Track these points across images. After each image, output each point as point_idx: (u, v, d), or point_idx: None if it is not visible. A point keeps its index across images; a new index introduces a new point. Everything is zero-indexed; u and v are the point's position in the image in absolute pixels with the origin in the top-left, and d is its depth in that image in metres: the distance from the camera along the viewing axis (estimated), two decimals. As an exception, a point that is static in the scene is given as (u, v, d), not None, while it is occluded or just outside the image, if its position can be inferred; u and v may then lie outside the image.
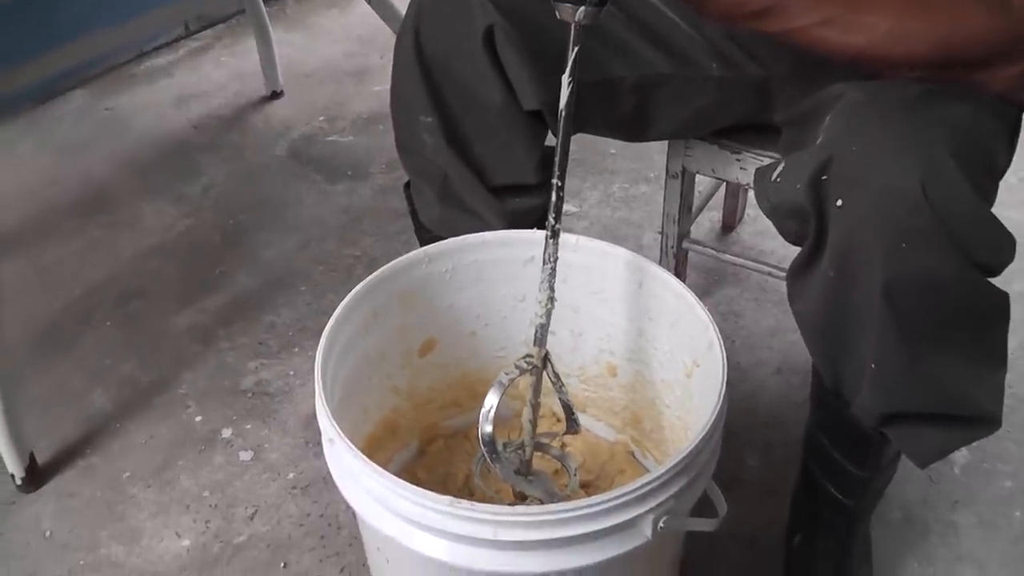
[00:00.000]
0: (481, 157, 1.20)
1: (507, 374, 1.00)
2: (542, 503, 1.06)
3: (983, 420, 1.04)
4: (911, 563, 1.34)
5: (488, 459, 1.00)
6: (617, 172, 2.11)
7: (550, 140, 1.11)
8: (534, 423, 1.07)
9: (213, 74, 2.57)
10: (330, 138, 2.27)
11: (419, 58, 1.16)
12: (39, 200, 2.07)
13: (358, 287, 1.10)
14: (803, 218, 0.96)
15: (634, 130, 1.29)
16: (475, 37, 1.12)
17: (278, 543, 1.36)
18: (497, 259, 1.17)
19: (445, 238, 1.24)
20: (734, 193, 1.89)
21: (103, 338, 1.71)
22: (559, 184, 0.95)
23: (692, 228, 1.62)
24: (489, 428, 0.98)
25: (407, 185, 1.30)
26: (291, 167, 2.17)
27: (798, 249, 1.01)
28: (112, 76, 2.53)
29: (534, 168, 1.20)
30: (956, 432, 1.04)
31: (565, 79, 0.92)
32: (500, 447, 1.02)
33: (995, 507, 1.42)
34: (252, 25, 2.37)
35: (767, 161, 1.37)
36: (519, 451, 1.09)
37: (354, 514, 1.37)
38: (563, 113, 0.93)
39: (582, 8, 0.88)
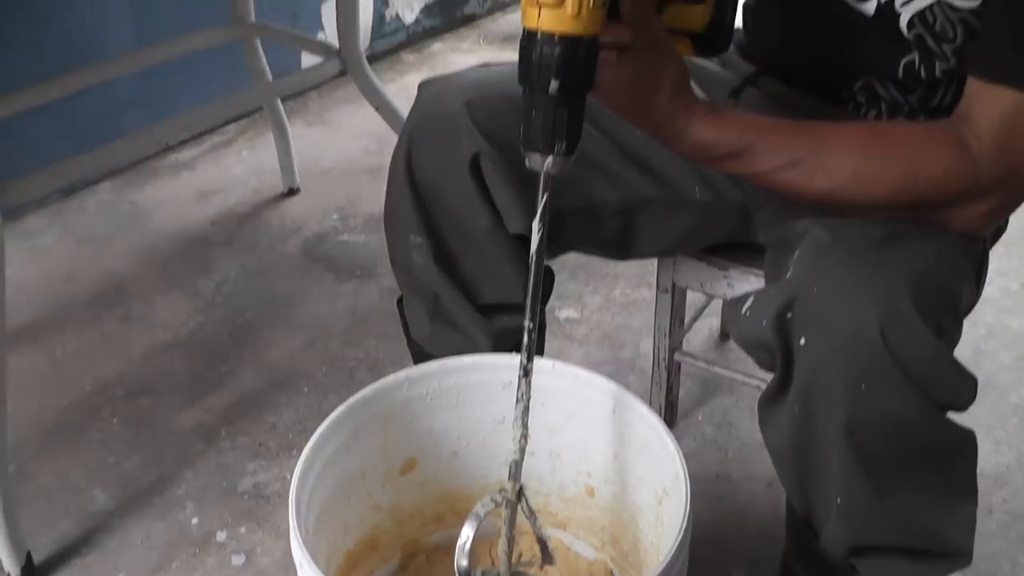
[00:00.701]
0: (469, 277, 1.24)
1: (483, 506, 1.03)
2: None
3: (953, 555, 1.05)
4: None
5: None
6: (619, 276, 2.15)
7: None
8: (509, 555, 1.08)
9: (234, 169, 2.64)
10: (342, 237, 2.32)
11: (410, 181, 1.21)
12: (58, 292, 2.13)
13: (339, 409, 1.13)
14: (770, 352, 0.99)
15: (620, 250, 1.32)
16: (463, 163, 1.16)
17: (264, 649, 1.39)
18: (477, 382, 1.20)
19: (436, 354, 1.28)
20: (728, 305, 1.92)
21: (109, 434, 1.75)
22: (531, 326, 0.98)
23: (690, 334, 1.65)
24: (464, 562, 1.00)
25: (400, 300, 1.34)
26: (302, 265, 2.22)
27: None
28: (137, 169, 2.60)
29: (522, 287, 1.23)
30: (925, 566, 1.06)
31: (535, 224, 0.94)
32: None
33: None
34: (271, 125, 2.44)
35: (753, 279, 1.41)
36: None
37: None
38: (533, 258, 0.96)
39: (551, 157, 0.90)
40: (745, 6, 1.35)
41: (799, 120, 1.06)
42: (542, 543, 1.10)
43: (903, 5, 1.09)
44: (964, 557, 1.06)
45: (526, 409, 1.01)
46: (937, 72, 1.12)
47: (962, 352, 0.99)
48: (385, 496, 1.22)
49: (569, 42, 0.86)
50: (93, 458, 1.70)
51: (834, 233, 1.01)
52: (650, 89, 0.99)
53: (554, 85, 0.87)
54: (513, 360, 1.14)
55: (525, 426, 1.01)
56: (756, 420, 1.74)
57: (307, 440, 1.69)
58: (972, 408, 0.98)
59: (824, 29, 1.19)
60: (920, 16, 1.09)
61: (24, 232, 2.32)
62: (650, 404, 1.30)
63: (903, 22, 1.10)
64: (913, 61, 1.13)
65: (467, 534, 1.01)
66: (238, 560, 1.51)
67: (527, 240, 1.21)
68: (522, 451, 1.02)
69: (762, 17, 1.31)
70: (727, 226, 1.31)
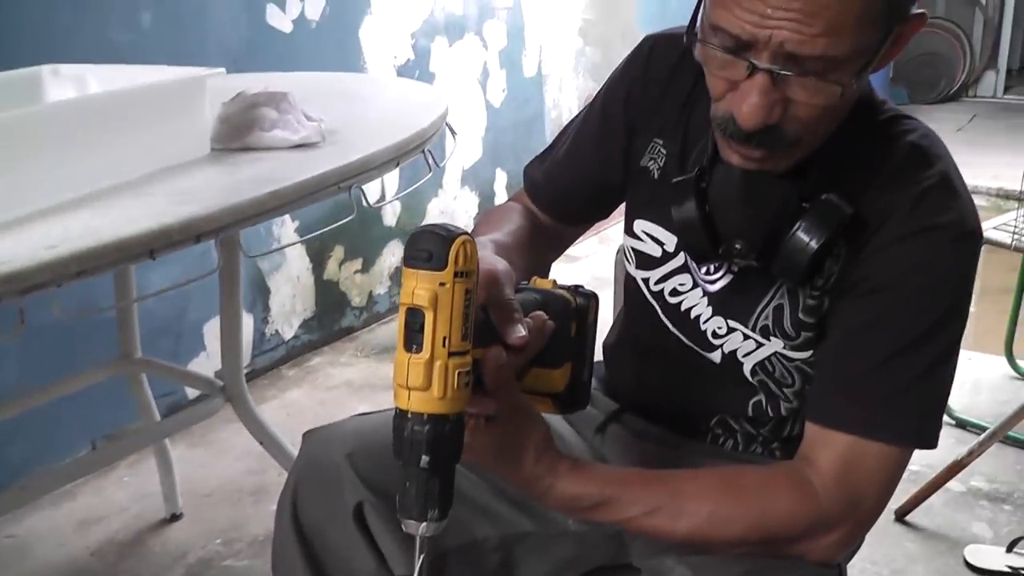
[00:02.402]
0: None
1: None
2: None
3: None
4: None
5: None
6: None
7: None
8: None
9: (115, 495, 2.64)
10: (226, 562, 2.33)
11: (295, 525, 1.25)
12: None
13: None
14: None
15: None
16: (346, 511, 1.22)
17: None
18: None
19: None
20: None
21: None
22: None
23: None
24: None
25: None
26: (186, 596, 2.22)
27: None
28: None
29: None
30: None
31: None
32: None
33: None
34: (154, 452, 2.48)
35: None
36: None
37: None
38: None
39: (424, 523, 0.96)
40: (604, 345, 1.48)
41: (657, 470, 1.18)
42: None
43: (745, 356, 1.24)
44: None
45: None
46: (783, 411, 1.27)
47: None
48: None
49: (437, 420, 0.93)
50: None
51: (696, 572, 1.10)
52: (516, 453, 1.08)
53: (425, 460, 0.93)
54: None
55: None
56: None
57: None
58: None
59: (677, 374, 1.33)
60: (761, 365, 1.23)
61: None
62: None
63: (746, 370, 1.25)
64: (760, 401, 1.28)
65: None
66: None
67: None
68: None
69: (620, 360, 1.45)
70: (603, 552, 1.38)
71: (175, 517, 2.52)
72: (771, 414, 1.27)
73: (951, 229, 1.09)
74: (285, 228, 3.37)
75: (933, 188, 1.11)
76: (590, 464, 1.18)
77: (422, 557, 0.99)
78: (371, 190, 2.22)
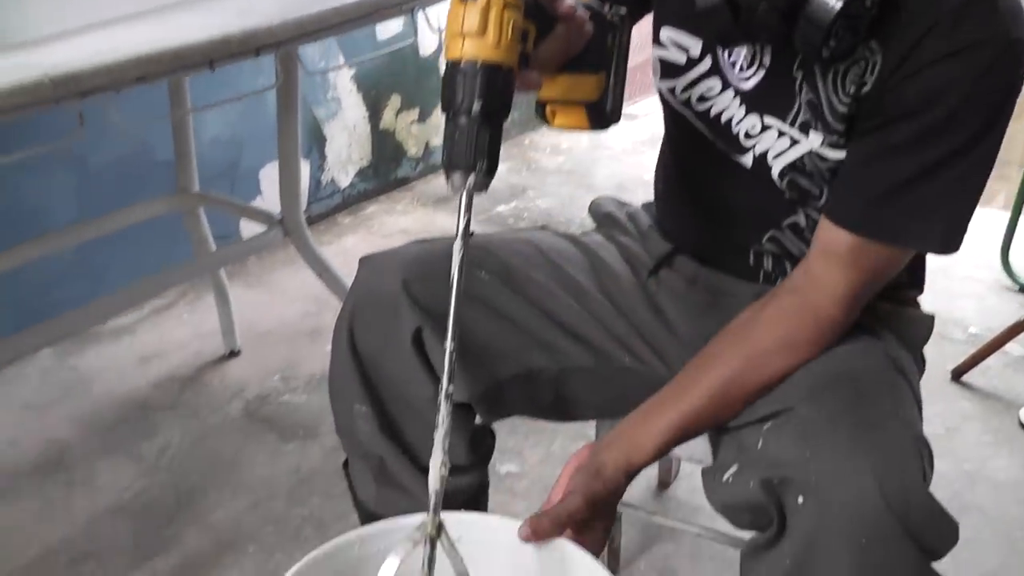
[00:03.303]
0: (413, 442, 1.27)
1: (400, 547, 0.99)
2: None
3: None
4: None
5: None
6: (557, 431, 2.20)
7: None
8: None
9: (174, 332, 2.68)
10: (283, 397, 2.36)
11: (352, 353, 1.25)
12: (0, 459, 2.13)
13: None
14: (760, 513, 1.04)
15: (558, 414, 1.38)
16: (404, 337, 1.21)
17: None
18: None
19: (382, 514, 1.31)
20: (668, 457, 1.98)
21: (53, 602, 1.75)
22: (451, 347, 0.98)
23: (630, 484, 1.69)
24: None
25: (345, 463, 1.38)
26: (244, 426, 2.25)
27: None
28: (78, 335, 2.63)
29: (464, 451, 1.28)
30: None
31: (456, 245, 0.96)
32: None
33: None
34: (212, 289, 2.50)
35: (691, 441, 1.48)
36: None
37: None
38: (454, 281, 0.97)
39: (472, 176, 0.94)
40: (655, 185, 1.46)
41: (676, 378, 1.19)
42: None
43: (775, 157, 1.20)
44: None
45: (446, 435, 0.98)
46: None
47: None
48: None
49: (490, 69, 0.92)
50: (38, 627, 1.70)
51: (810, 404, 1.08)
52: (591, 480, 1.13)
53: (477, 106, 0.92)
54: (464, 518, 1.13)
55: (445, 452, 0.98)
56: (697, 565, 1.82)
57: (254, 601, 1.71)
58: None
59: (715, 186, 1.30)
60: (791, 167, 1.19)
61: (-36, 400, 2.33)
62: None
63: (775, 173, 1.20)
64: (797, 223, 1.25)
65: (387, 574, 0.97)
66: None
67: (469, 407, 1.28)
68: (442, 480, 0.99)
69: (667, 193, 1.42)
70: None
71: (233, 354, 2.55)
72: (808, 234, 1.24)
73: (992, 45, 1.02)
74: (341, 76, 3.33)
75: (975, 1, 1.04)
76: (632, 426, 1.18)
77: (467, 218, 0.96)
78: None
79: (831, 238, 1.12)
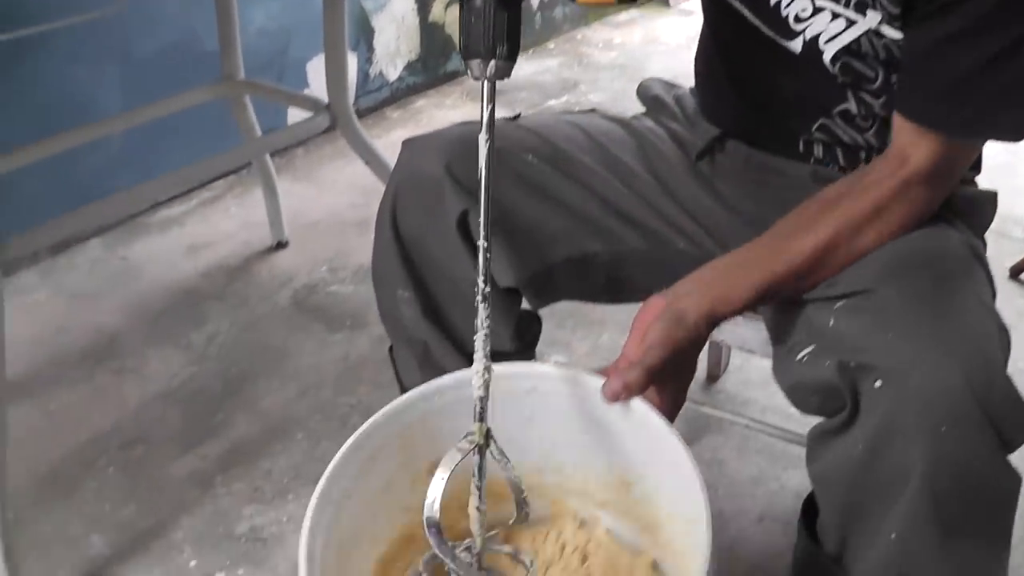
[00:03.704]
0: (458, 327, 1.25)
1: (450, 457, 0.96)
2: None
3: None
4: None
5: (439, 552, 0.95)
6: (606, 323, 2.19)
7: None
8: (482, 511, 1.00)
9: (223, 224, 2.67)
10: (331, 288, 2.36)
11: (396, 237, 1.22)
12: (51, 346, 2.14)
13: (349, 444, 1.07)
14: (832, 395, 1.00)
15: (610, 297, 1.35)
16: (449, 221, 1.18)
17: None
18: (499, 390, 1.16)
19: None
20: (718, 345, 1.96)
21: (104, 483, 1.77)
22: (485, 245, 0.96)
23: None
24: (435, 519, 0.94)
25: (391, 349, 1.37)
26: (293, 316, 2.25)
27: (779, 402, 1.06)
28: (127, 226, 2.64)
29: (510, 336, 1.26)
30: None
31: (482, 137, 0.93)
32: (458, 543, 1.00)
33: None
34: (260, 178, 2.48)
35: (741, 321, 1.44)
36: (469, 546, 1.02)
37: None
38: (482, 171, 0.94)
39: (492, 62, 0.91)
40: (696, 72, 1.41)
41: (766, 237, 1.13)
42: (516, 490, 1.02)
43: (827, 41, 1.14)
44: None
45: (486, 338, 0.95)
46: (872, 117, 1.19)
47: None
48: (415, 496, 1.13)
49: None
50: (89, 507, 1.72)
51: (889, 285, 1.04)
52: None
53: None
54: (532, 369, 1.11)
55: (487, 357, 0.96)
56: (743, 457, 1.80)
57: (303, 486, 1.72)
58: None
59: (762, 73, 1.25)
60: (845, 50, 1.14)
61: (16, 289, 2.34)
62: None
63: (827, 58, 1.15)
64: (848, 110, 1.20)
65: (435, 491, 0.94)
66: (237, 602, 1.53)
67: (517, 292, 1.25)
68: (486, 386, 0.96)
69: (711, 78, 1.37)
70: None
71: (281, 245, 2.55)
72: (860, 122, 1.19)
73: None
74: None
75: None
76: (717, 277, 1.12)
77: (491, 107, 0.92)
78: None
79: (907, 128, 1.08)
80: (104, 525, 1.67)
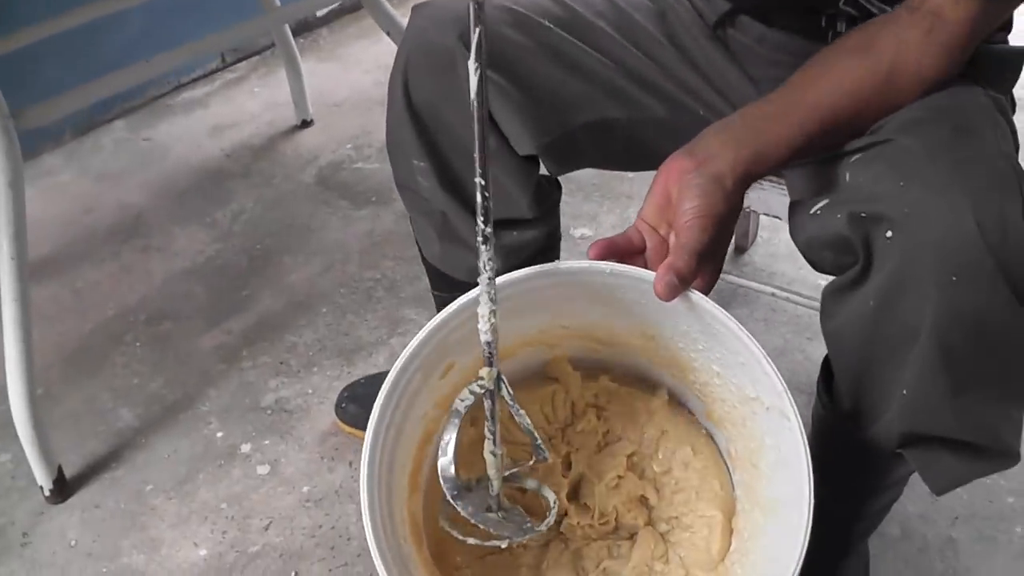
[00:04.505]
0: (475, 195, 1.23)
1: (462, 400, 0.94)
2: (510, 542, 1.01)
3: (1005, 454, 1.04)
4: (907, 577, 1.37)
5: (449, 498, 0.94)
6: (633, 196, 2.16)
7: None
8: (497, 455, 0.97)
9: (247, 104, 2.65)
10: (356, 165, 2.34)
11: (408, 106, 1.19)
12: (77, 226, 2.15)
13: (405, 357, 0.97)
14: (844, 249, 0.97)
15: (629, 164, 1.32)
16: (462, 89, 1.14)
17: (290, 553, 1.42)
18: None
19: (447, 271, 1.28)
20: (745, 214, 1.93)
21: (132, 358, 1.78)
22: (482, 183, 0.88)
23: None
24: (449, 463, 0.93)
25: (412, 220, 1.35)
26: (318, 193, 2.24)
27: (806, 274, 1.02)
28: (150, 107, 2.62)
29: (528, 204, 1.23)
30: (976, 463, 1.03)
31: (471, 64, 0.84)
32: (475, 484, 0.98)
33: (995, 523, 1.44)
34: (283, 57, 2.45)
35: (767, 186, 1.41)
36: (487, 487, 0.99)
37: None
38: (475, 102, 0.85)
39: None
40: None
41: (795, 82, 1.06)
42: (530, 435, 0.98)
43: None
44: (1015, 458, 1.04)
45: (491, 280, 0.89)
46: None
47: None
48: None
49: None
50: (118, 380, 1.73)
51: (907, 134, 1.00)
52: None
53: None
54: (558, 268, 1.01)
55: (492, 300, 0.89)
56: (769, 328, 1.78)
57: (327, 359, 1.73)
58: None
59: None
60: None
61: (40, 170, 2.34)
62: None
63: None
64: None
65: (449, 435, 0.92)
66: (263, 470, 1.54)
67: (534, 159, 1.22)
68: (494, 330, 0.90)
69: None
70: None
71: (306, 124, 2.52)
72: None
73: None
74: None
75: None
76: (748, 133, 1.04)
77: (479, 31, 0.82)
78: None
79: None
80: (132, 398, 1.69)
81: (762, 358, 0.93)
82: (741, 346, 0.95)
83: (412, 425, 1.03)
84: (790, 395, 0.94)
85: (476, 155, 0.86)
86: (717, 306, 0.95)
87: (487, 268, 0.88)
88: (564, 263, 0.96)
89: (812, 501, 0.93)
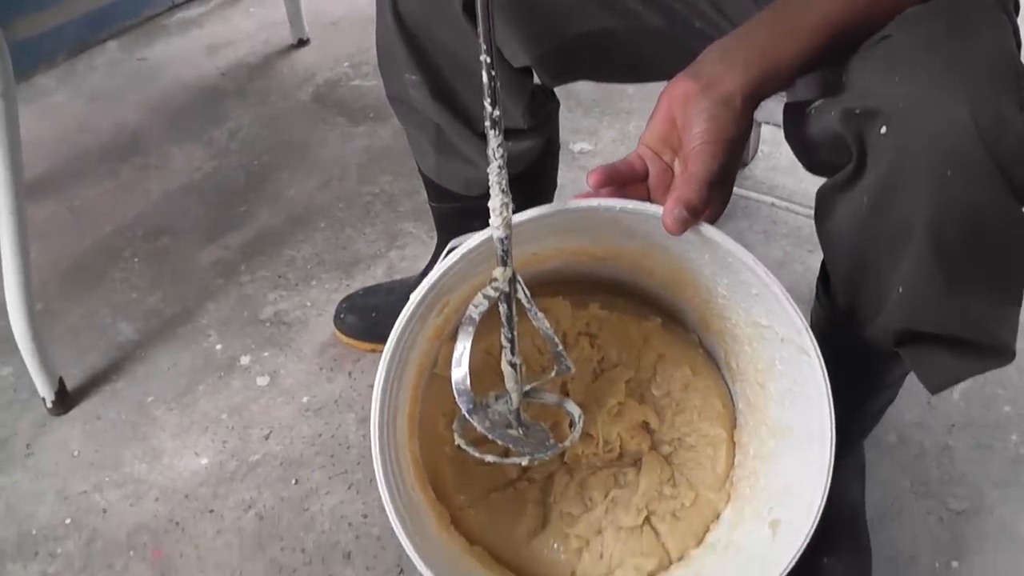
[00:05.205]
0: (469, 107, 1.21)
1: (475, 307, 0.88)
2: (532, 459, 0.96)
3: (1000, 351, 1.03)
4: (903, 483, 1.37)
5: (465, 412, 0.90)
6: (633, 112, 2.14)
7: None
8: (515, 365, 0.92)
9: (242, 24, 2.62)
10: (354, 82, 2.32)
11: (398, 20, 1.17)
12: (72, 145, 2.13)
13: (410, 307, 0.93)
14: (838, 147, 0.95)
15: (626, 76, 1.30)
16: (454, 5, 1.11)
17: (290, 461, 1.42)
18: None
19: (444, 184, 1.27)
20: (746, 128, 1.91)
21: (131, 273, 1.78)
22: (488, 61, 0.84)
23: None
24: (464, 376, 0.88)
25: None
26: (315, 111, 2.22)
27: (807, 187, 1.00)
28: (145, 28, 2.60)
29: (522, 114, 1.22)
30: (971, 360, 1.02)
31: None
32: (492, 399, 0.94)
33: (991, 431, 1.44)
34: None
35: (778, 99, 1.40)
36: (506, 401, 0.95)
37: (364, 436, 1.43)
38: None
39: None
40: None
41: None
42: (550, 342, 0.93)
43: None
44: (1010, 355, 1.03)
45: (501, 169, 0.82)
46: None
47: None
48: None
49: None
50: (117, 296, 1.73)
51: (903, 30, 0.98)
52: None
53: None
54: (561, 207, 0.96)
55: (505, 192, 0.83)
56: (769, 240, 1.78)
57: (326, 272, 1.73)
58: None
59: None
60: None
61: (34, 91, 2.32)
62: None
63: None
64: None
65: (462, 344, 0.87)
66: (262, 381, 1.54)
67: (528, 70, 1.20)
68: (507, 224, 0.84)
69: None
70: None
71: (302, 43, 2.50)
72: None
73: None
74: None
75: None
76: (753, 49, 0.99)
77: None
78: None
79: None
80: (131, 313, 1.69)
81: (780, 295, 0.91)
82: (756, 279, 0.93)
83: (411, 367, 1.01)
84: (811, 333, 0.93)
85: (482, 40, 0.83)
86: (732, 240, 0.92)
87: (496, 156, 0.82)
88: (573, 202, 0.92)
89: (834, 439, 0.93)
